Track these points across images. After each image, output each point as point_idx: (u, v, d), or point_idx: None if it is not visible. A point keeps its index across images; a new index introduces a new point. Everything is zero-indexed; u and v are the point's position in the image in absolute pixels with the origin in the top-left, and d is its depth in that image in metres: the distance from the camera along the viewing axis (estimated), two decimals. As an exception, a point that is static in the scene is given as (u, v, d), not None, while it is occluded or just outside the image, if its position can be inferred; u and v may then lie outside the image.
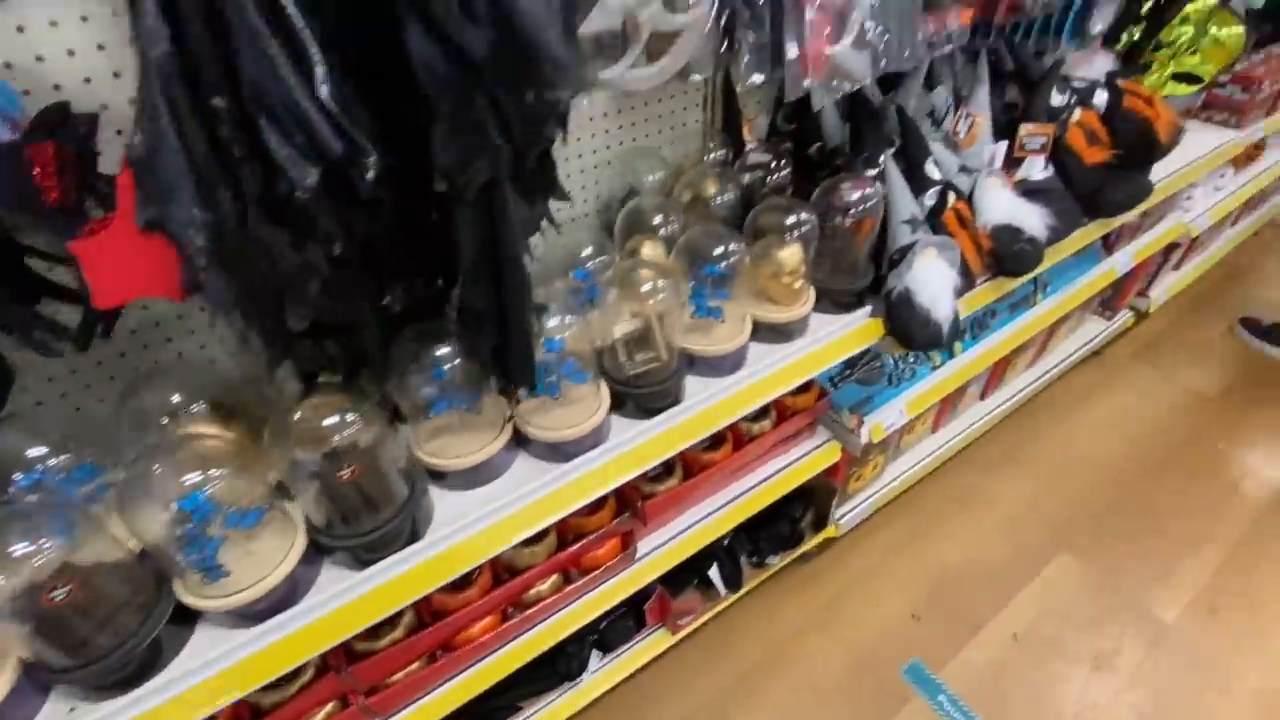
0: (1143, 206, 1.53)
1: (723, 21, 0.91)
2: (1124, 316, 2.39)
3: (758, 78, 0.92)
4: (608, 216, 1.39)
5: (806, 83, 0.89)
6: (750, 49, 0.91)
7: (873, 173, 1.29)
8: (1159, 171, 1.63)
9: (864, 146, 1.31)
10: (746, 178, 1.37)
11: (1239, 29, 1.66)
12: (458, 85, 0.61)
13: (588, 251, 1.06)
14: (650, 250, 1.15)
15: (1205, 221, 2.14)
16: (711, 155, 1.38)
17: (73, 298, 0.81)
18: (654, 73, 0.88)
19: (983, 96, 1.38)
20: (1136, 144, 1.44)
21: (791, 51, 0.86)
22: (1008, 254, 1.30)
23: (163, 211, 0.56)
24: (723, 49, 0.96)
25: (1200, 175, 1.90)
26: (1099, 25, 1.36)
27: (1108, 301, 2.31)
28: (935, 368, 1.63)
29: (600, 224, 1.40)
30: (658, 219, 1.14)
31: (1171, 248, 2.27)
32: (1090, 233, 1.50)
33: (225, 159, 0.57)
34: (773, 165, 1.34)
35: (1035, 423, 2.25)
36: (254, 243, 0.60)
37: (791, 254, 1.11)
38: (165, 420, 0.83)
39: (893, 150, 1.32)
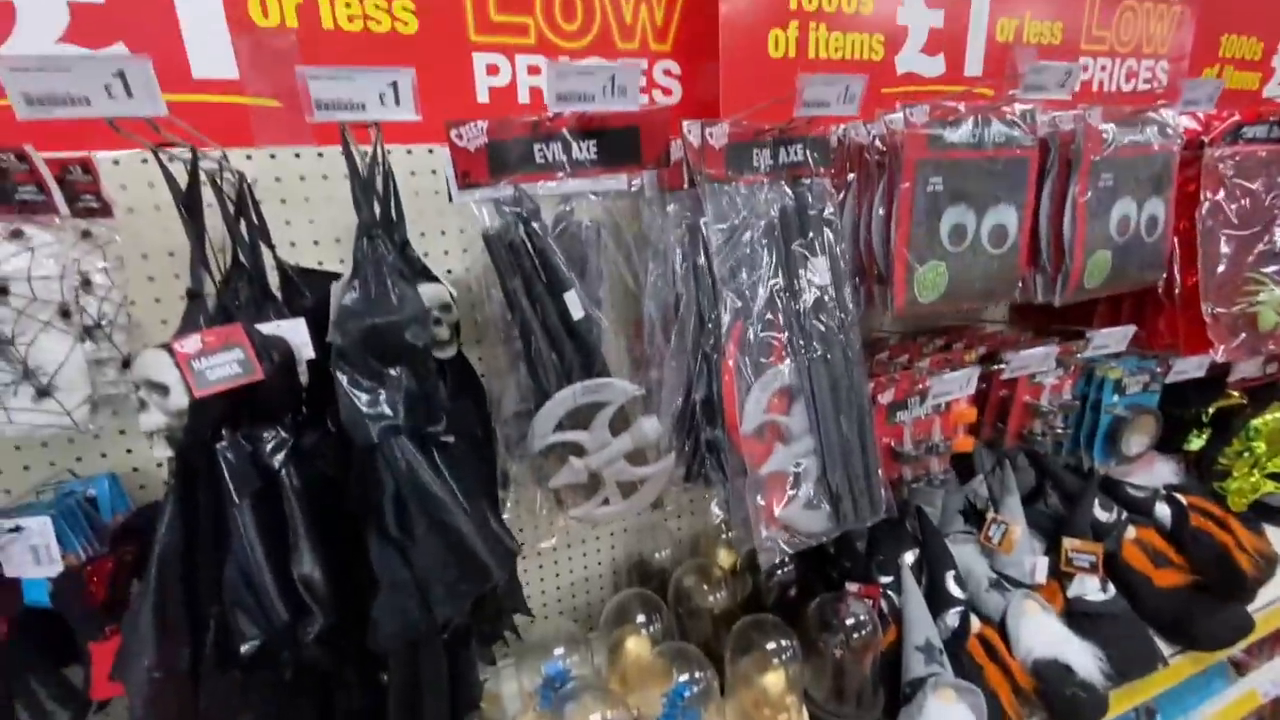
0: (1248, 641, 1.29)
1: (694, 463, 1.02)
2: (1309, 747, 1.83)
3: (720, 513, 0.99)
4: (617, 580, 1.43)
5: (763, 535, 0.93)
6: (716, 488, 0.99)
7: (886, 580, 1.23)
8: (1275, 589, 1.39)
9: (880, 548, 1.28)
10: (760, 558, 1.36)
11: (1333, 437, 1.52)
12: (398, 574, 0.72)
13: (559, 651, 1.07)
14: (634, 645, 1.14)
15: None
16: (726, 535, 1.42)
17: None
18: (623, 509, 0.97)
19: (1014, 504, 1.33)
20: (1216, 572, 1.27)
21: (742, 507, 0.93)
22: (1058, 699, 1.11)
23: (125, 670, 0.67)
24: (698, 478, 1.05)
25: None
26: (1135, 448, 1.32)
27: (1274, 725, 1.81)
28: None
29: (612, 585, 1.43)
30: (640, 617, 1.15)
31: (1351, 664, 1.81)
32: (1181, 670, 1.26)
33: (193, 621, 0.70)
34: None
35: None
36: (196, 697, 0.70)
37: (774, 682, 1.04)
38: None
39: (914, 555, 1.27)
